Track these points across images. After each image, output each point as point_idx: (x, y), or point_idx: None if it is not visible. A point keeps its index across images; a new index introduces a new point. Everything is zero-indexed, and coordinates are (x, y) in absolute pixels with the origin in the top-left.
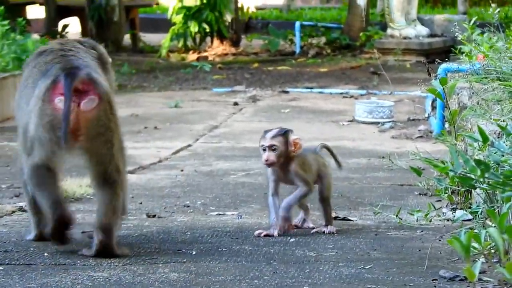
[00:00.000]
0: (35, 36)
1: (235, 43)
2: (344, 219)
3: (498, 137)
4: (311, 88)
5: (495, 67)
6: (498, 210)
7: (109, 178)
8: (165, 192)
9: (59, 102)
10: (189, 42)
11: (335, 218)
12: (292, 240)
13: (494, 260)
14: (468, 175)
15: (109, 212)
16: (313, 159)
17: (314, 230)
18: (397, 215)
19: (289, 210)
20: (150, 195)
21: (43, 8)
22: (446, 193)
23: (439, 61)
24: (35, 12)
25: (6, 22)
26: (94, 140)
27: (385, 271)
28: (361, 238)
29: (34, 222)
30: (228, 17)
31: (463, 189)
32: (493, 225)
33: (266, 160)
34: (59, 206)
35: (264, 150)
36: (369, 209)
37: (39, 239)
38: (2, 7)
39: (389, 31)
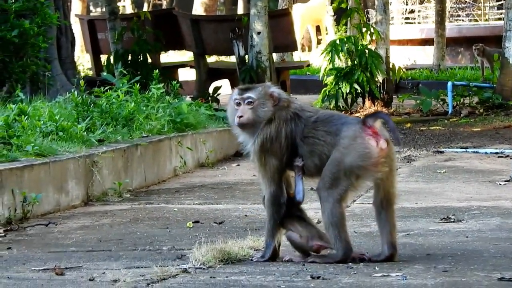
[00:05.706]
0: (188, 99)
1: (387, 103)
2: (510, 280)
3: None
4: (466, 148)
5: None
6: None
7: (391, 199)
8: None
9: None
10: (341, 103)
11: (501, 279)
12: None
13: None
14: None
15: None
16: None
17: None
18: None
19: None
20: None
21: (193, 70)
22: None
23: None
24: (186, 74)
25: (161, 85)
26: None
27: None
28: None
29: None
30: (380, 78)
31: None
32: None
33: None
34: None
35: None
36: None
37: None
38: (157, 71)
39: None
